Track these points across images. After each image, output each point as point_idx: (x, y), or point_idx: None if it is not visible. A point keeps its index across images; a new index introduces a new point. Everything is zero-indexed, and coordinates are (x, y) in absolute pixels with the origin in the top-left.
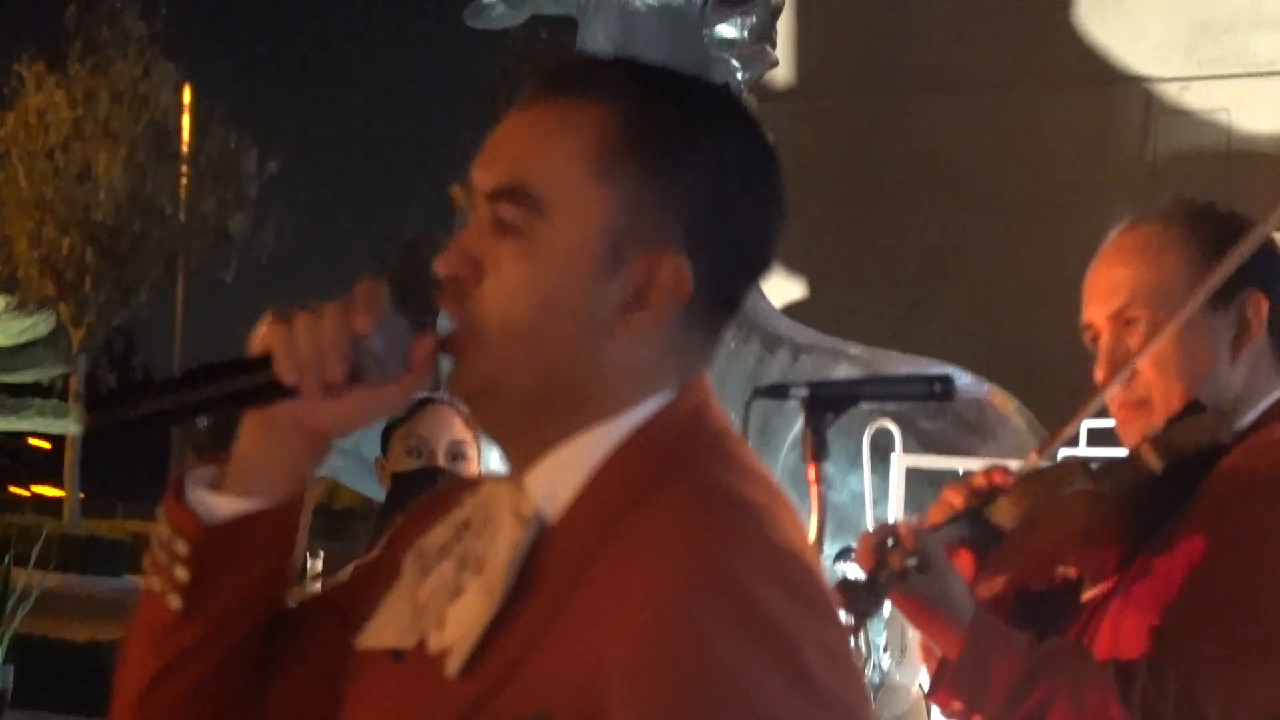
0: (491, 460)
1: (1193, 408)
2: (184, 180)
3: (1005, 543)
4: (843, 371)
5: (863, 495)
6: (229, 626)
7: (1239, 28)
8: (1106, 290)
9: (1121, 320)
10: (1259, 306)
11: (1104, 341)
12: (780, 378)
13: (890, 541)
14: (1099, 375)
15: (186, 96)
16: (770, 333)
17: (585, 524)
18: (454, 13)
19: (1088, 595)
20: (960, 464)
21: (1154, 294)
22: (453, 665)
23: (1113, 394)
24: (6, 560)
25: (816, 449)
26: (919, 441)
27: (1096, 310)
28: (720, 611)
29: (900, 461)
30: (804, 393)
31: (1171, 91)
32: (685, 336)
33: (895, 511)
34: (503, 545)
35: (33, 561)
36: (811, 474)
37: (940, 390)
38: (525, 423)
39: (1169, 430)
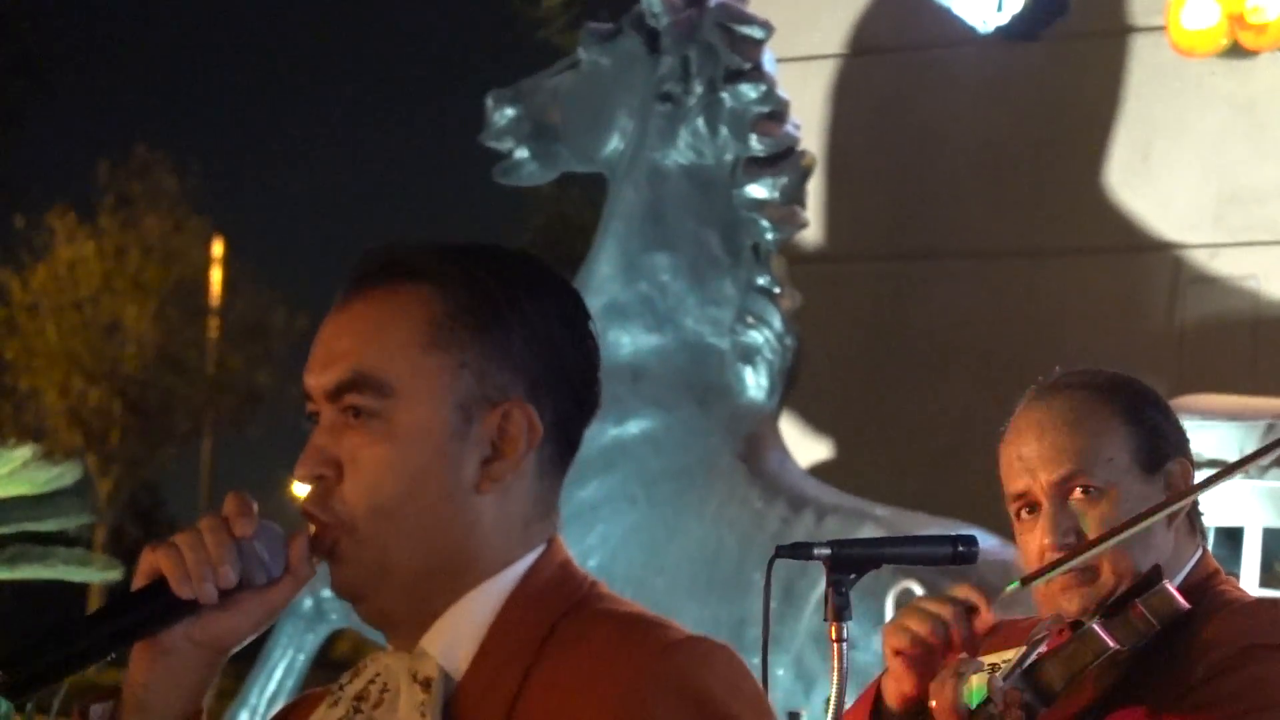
0: None
1: (1155, 574)
2: (213, 335)
3: (1055, 707)
4: (868, 532)
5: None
6: None
7: (1268, 196)
8: (1048, 459)
9: (1067, 488)
10: (1186, 475)
11: (1047, 509)
12: (805, 538)
13: (987, 703)
14: (1044, 541)
15: (217, 250)
16: (796, 494)
17: (496, 674)
18: (485, 171)
19: None
20: None
21: (1097, 463)
22: None
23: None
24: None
25: (839, 608)
26: None
27: (1034, 479)
28: (681, 710)
29: None
30: (826, 552)
31: (1200, 258)
32: (540, 484)
33: None
34: (409, 708)
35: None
36: (833, 633)
37: (963, 551)
38: (413, 600)
39: (1150, 596)
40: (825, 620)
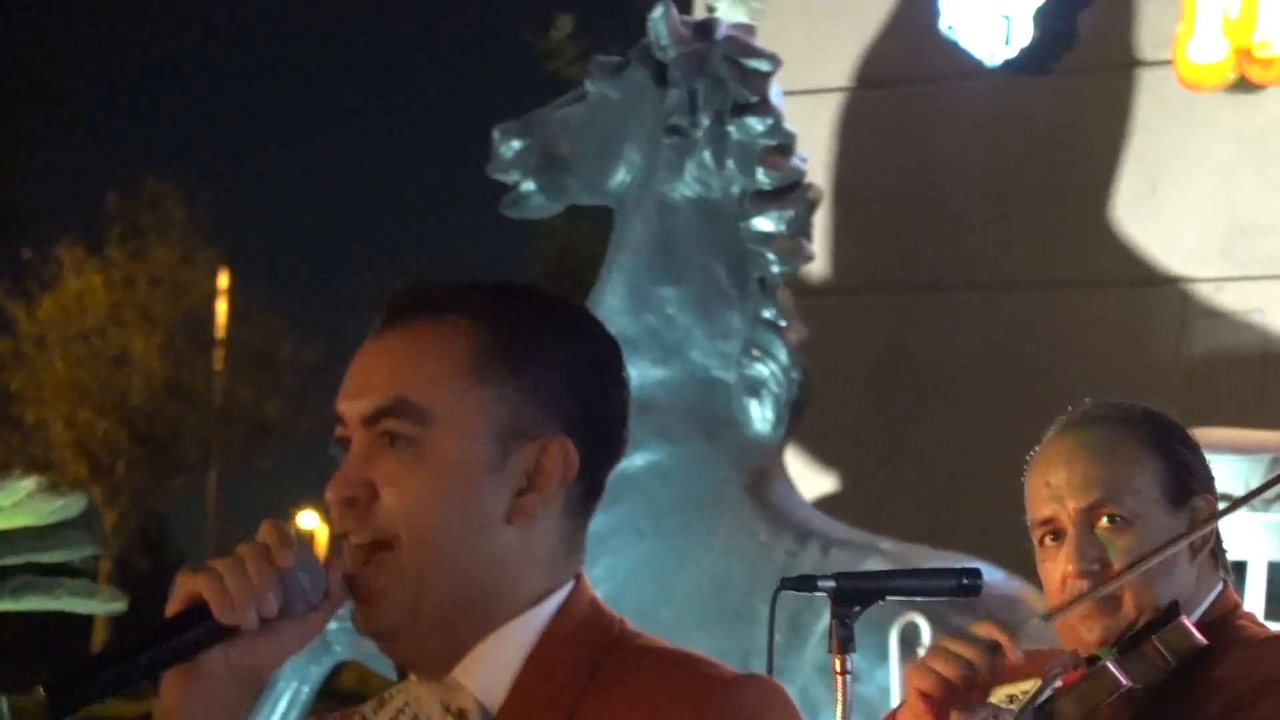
0: None
1: (1173, 610)
2: (220, 367)
3: None
4: (873, 565)
5: (889, 689)
6: None
7: (1275, 229)
8: (1077, 487)
9: (1094, 516)
10: (1212, 510)
11: (1073, 535)
12: (811, 571)
13: None
14: (1069, 568)
15: (223, 281)
16: (802, 527)
17: (537, 708)
18: (493, 203)
19: None
20: None
21: (1125, 493)
22: None
23: (1080, 590)
24: None
25: (843, 641)
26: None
27: (1061, 506)
28: None
29: None
30: (831, 584)
31: (1207, 291)
32: (569, 523)
33: None
34: None
35: None
36: (837, 665)
37: (967, 584)
38: (445, 634)
39: (1166, 632)
40: (830, 652)
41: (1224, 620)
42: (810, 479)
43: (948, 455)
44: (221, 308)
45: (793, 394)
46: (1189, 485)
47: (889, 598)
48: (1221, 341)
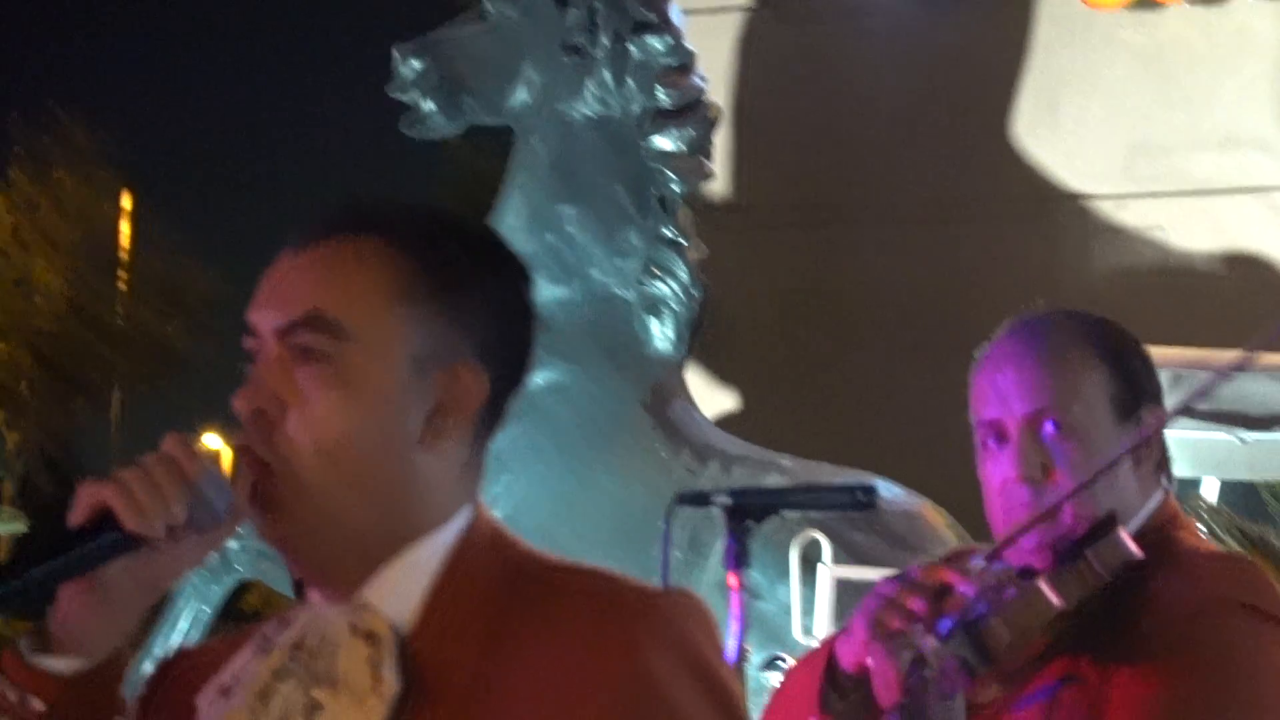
0: None
1: (1110, 521)
2: (123, 290)
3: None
4: (773, 482)
5: (790, 606)
6: None
7: (1175, 147)
8: (1025, 391)
9: (1039, 422)
10: (1160, 420)
11: (1017, 440)
12: (711, 489)
13: (924, 665)
14: (1010, 473)
15: (126, 204)
16: (701, 444)
17: (455, 630)
18: (396, 122)
19: (988, 697)
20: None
21: (1074, 402)
22: None
23: (1022, 497)
24: None
25: (738, 557)
26: (849, 553)
27: (1006, 409)
28: (677, 665)
29: (829, 572)
30: (726, 500)
31: (1109, 210)
32: (473, 449)
33: (823, 623)
34: (353, 660)
35: None
36: (732, 581)
37: (863, 499)
38: (348, 551)
39: (1101, 546)
40: (724, 567)
41: (1162, 531)
42: (711, 398)
43: (849, 373)
44: (124, 230)
45: (693, 312)
46: (1138, 397)
47: (789, 514)
48: (1123, 259)
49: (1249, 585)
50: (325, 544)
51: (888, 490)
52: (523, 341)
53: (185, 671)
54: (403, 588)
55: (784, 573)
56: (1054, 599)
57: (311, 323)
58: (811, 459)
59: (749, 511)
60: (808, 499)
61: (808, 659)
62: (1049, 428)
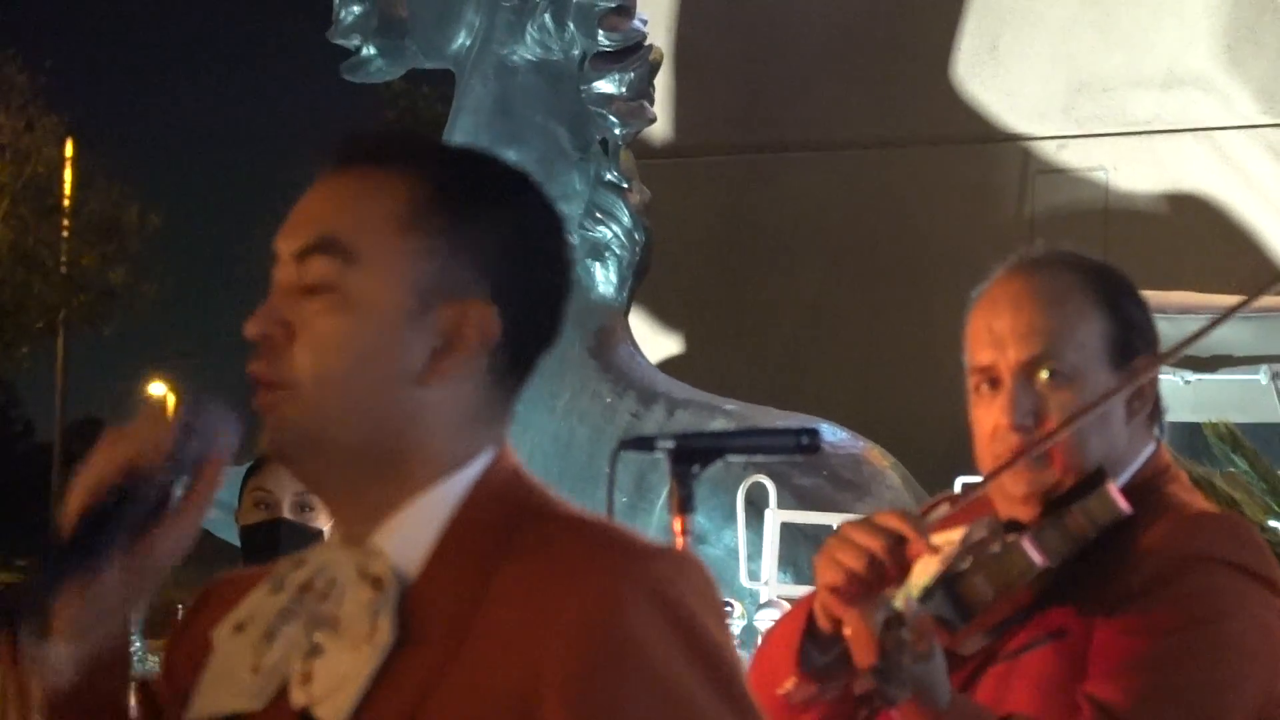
0: None
1: (1099, 475)
2: (65, 234)
3: (975, 621)
4: (718, 426)
5: (737, 550)
6: None
7: (1116, 87)
8: (1020, 336)
9: (1034, 369)
10: (1154, 369)
11: (1010, 387)
12: (656, 432)
13: (899, 625)
14: (1002, 420)
15: (69, 150)
16: (646, 388)
17: (453, 577)
18: (337, 68)
19: (973, 648)
20: (836, 519)
21: (1068, 348)
22: (329, 713)
23: (1013, 444)
24: None
25: (682, 501)
26: (794, 497)
27: (1001, 354)
28: (655, 621)
29: (775, 517)
30: (670, 444)
31: (1049, 150)
32: (491, 392)
33: (769, 566)
34: (356, 604)
35: None
36: (677, 526)
37: (807, 442)
38: (350, 481)
39: (1090, 500)
40: (668, 512)
41: (1152, 484)
42: (655, 341)
43: (791, 316)
44: (67, 176)
45: (636, 256)
46: (1134, 345)
47: (733, 459)
48: (1064, 198)
49: (1237, 543)
50: (318, 463)
51: (832, 434)
52: (542, 285)
53: (214, 603)
54: (412, 534)
55: (730, 517)
56: (1036, 557)
57: (323, 246)
58: (752, 398)
59: (693, 456)
60: (751, 443)
61: (789, 615)
62: (1043, 375)
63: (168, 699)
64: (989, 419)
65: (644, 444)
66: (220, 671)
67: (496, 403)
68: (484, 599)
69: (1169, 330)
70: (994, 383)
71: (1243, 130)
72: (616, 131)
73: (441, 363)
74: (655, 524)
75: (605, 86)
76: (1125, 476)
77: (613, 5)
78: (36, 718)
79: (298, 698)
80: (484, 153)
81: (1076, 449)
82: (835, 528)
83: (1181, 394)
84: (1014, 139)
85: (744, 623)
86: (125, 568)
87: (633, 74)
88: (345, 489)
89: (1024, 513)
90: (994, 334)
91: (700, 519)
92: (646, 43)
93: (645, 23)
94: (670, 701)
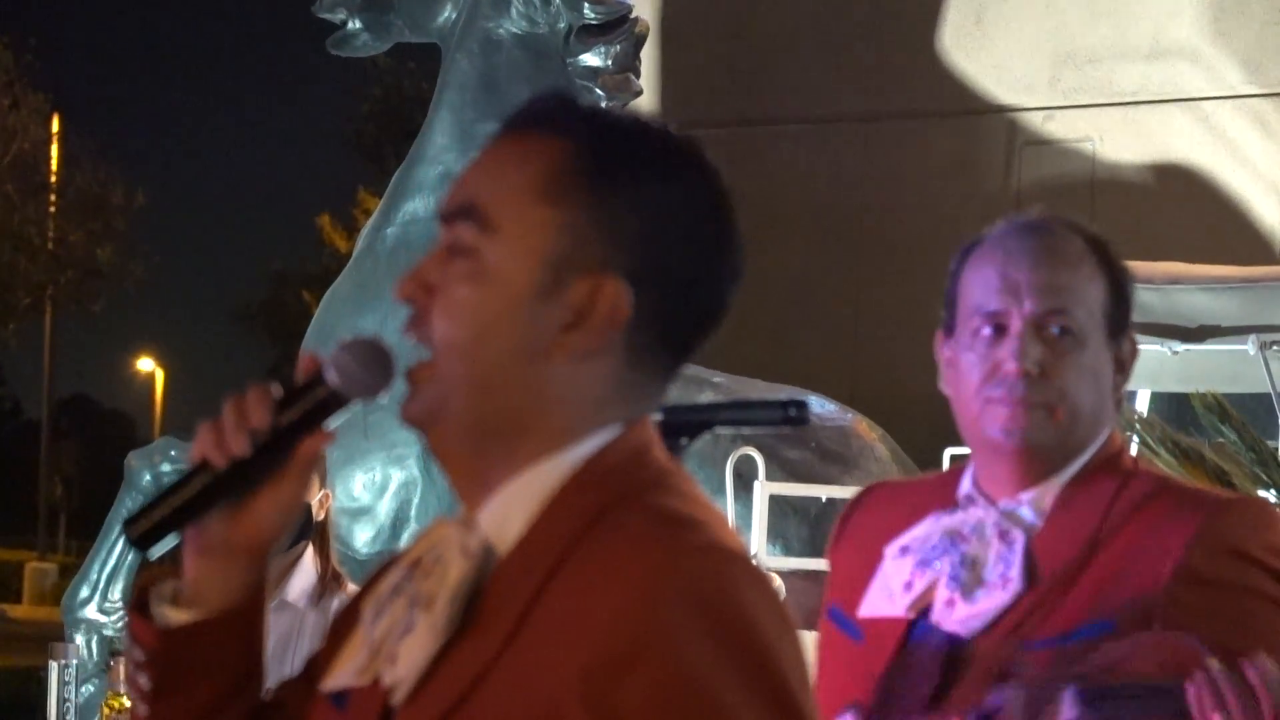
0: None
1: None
2: (52, 212)
3: None
4: (706, 399)
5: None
6: None
7: (1102, 59)
8: (1041, 287)
9: (1046, 321)
10: (1134, 352)
11: (1022, 332)
12: None
13: None
14: (1011, 365)
15: (55, 127)
16: None
17: (534, 556)
18: (322, 44)
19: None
20: (824, 492)
21: (1080, 308)
22: (398, 696)
23: (1013, 385)
24: None
25: None
26: (783, 469)
27: (1016, 302)
28: (690, 624)
29: (763, 489)
30: (657, 417)
31: (1035, 121)
32: (630, 372)
33: (759, 539)
34: (450, 582)
35: None
36: None
37: (795, 415)
38: (471, 452)
39: None
40: None
41: (1115, 459)
42: None
43: (778, 289)
44: (54, 154)
45: None
46: (1126, 319)
47: (721, 431)
48: (1050, 170)
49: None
50: (443, 433)
51: (820, 406)
52: (693, 265)
53: (384, 570)
54: (513, 509)
55: (719, 490)
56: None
57: (465, 212)
58: (739, 370)
59: (681, 429)
60: (739, 415)
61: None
62: (1052, 330)
63: (320, 669)
64: (986, 361)
65: None
66: (352, 645)
67: (636, 384)
68: (546, 589)
69: (1156, 300)
70: (1000, 329)
71: (1229, 100)
72: (603, 105)
73: (568, 339)
74: None
75: (591, 60)
76: (1093, 449)
77: None
78: (144, 680)
79: (386, 678)
80: (647, 123)
81: (1078, 394)
82: (824, 499)
83: (1169, 364)
84: (1000, 111)
85: None
86: (224, 541)
87: (618, 47)
88: (463, 462)
89: (1007, 490)
90: (1010, 282)
91: None
92: (632, 16)
93: None
94: (691, 704)
